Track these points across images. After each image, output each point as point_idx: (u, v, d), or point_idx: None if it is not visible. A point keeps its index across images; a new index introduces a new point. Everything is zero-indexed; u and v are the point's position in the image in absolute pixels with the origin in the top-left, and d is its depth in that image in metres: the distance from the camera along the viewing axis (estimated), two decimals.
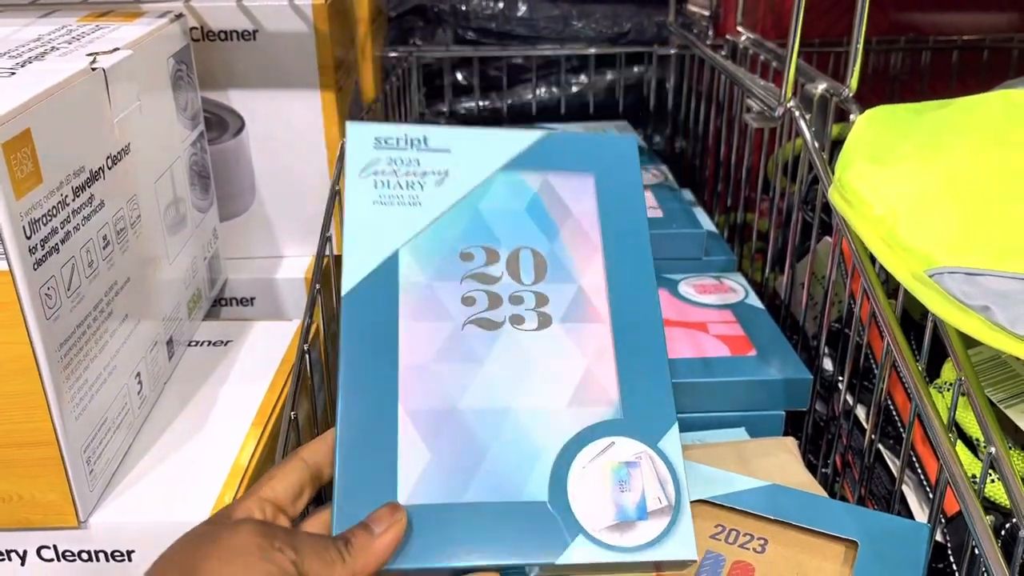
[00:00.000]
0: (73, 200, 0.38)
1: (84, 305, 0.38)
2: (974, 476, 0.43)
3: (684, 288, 0.61)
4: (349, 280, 0.38)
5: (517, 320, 0.38)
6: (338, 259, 0.60)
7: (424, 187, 0.40)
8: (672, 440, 0.36)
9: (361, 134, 0.42)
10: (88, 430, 0.39)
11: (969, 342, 0.42)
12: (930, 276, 0.40)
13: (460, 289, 0.38)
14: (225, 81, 0.58)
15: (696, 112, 0.86)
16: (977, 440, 0.45)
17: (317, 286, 0.48)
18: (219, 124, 0.59)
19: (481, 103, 0.95)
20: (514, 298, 0.38)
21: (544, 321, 0.38)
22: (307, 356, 0.45)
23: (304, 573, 0.29)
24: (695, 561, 0.34)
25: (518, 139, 0.42)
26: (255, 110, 0.59)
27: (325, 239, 0.51)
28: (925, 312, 0.58)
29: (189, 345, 0.53)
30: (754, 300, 0.60)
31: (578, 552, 0.33)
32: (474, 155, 0.41)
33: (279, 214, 0.62)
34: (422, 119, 0.95)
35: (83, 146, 0.39)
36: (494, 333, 0.37)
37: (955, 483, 0.38)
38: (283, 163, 0.60)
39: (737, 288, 0.61)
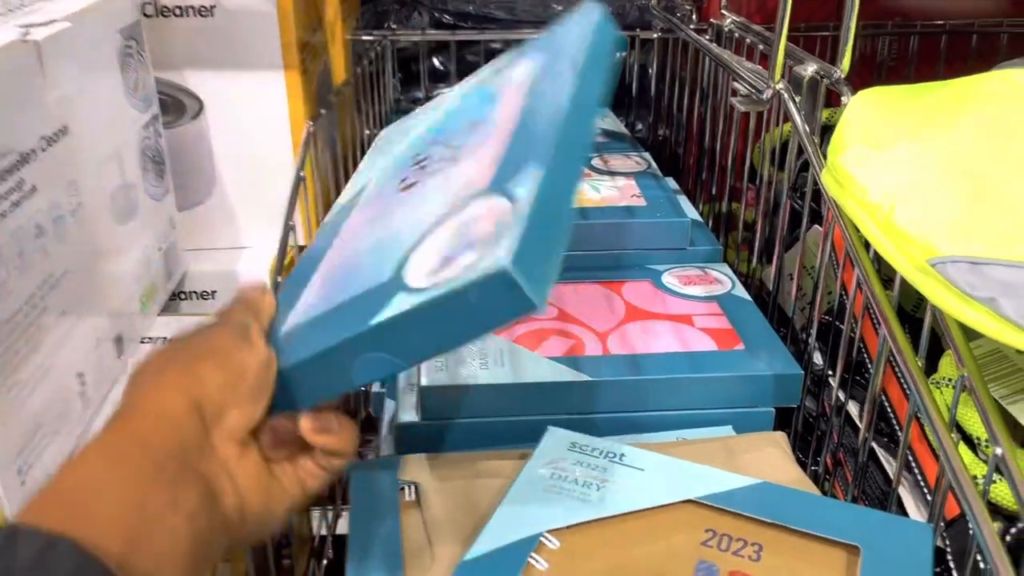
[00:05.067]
0: None
1: (13, 300, 0.35)
2: (975, 477, 0.41)
3: (668, 279, 0.58)
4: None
5: None
6: (303, 249, 0.57)
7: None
8: (528, 179, 0.30)
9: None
10: (20, 436, 0.36)
11: (969, 335, 0.39)
12: (932, 266, 0.37)
13: None
14: (182, 61, 0.55)
15: (679, 98, 0.83)
16: (978, 439, 0.42)
17: (279, 278, 0.44)
18: (176, 107, 0.56)
19: None
20: None
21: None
22: None
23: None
24: (507, 271, 0.27)
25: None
26: (215, 92, 0.55)
27: (288, 228, 0.47)
28: (919, 302, 0.56)
29: (142, 342, 0.49)
30: (741, 291, 0.57)
31: (391, 308, 0.29)
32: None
33: (242, 202, 0.59)
34: (397, 105, 0.92)
35: (11, 125, 0.35)
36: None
37: (958, 486, 0.36)
38: (245, 148, 0.57)
39: (723, 279, 0.59)
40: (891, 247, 0.40)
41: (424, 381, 0.46)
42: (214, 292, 0.58)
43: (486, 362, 0.49)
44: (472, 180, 0.33)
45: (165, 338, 0.50)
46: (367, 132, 0.82)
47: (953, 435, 0.37)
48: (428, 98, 0.92)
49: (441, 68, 0.92)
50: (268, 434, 0.33)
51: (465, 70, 0.93)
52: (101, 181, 0.44)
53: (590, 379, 0.47)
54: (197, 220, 0.59)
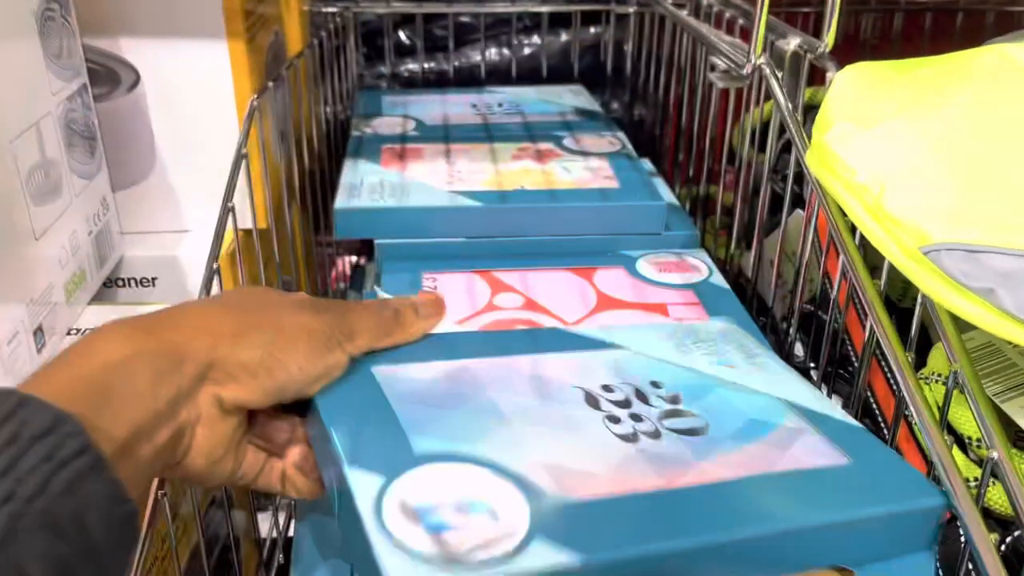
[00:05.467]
0: None
1: None
2: (968, 481, 0.38)
3: (643, 266, 0.55)
4: None
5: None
6: (248, 233, 0.53)
7: None
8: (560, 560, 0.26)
9: None
10: None
11: (960, 326, 0.36)
12: (925, 254, 0.34)
13: None
14: (115, 27, 0.50)
15: (656, 77, 0.80)
16: (969, 438, 0.40)
17: (215, 264, 0.41)
18: (109, 77, 0.51)
19: (426, 65, 0.88)
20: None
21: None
22: None
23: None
24: None
25: None
26: (152, 62, 0.51)
27: (227, 210, 0.43)
28: (904, 291, 0.54)
29: (68, 334, 0.45)
30: (719, 279, 0.54)
31: (354, 484, 0.28)
32: None
33: (184, 182, 0.54)
34: (361, 81, 0.88)
35: None
36: None
37: (951, 490, 0.33)
38: (187, 123, 0.53)
39: (700, 266, 0.55)
40: (880, 233, 0.37)
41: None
42: (154, 279, 0.53)
43: None
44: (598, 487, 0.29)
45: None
46: (328, 108, 0.78)
47: (949, 439, 0.34)
48: (394, 75, 0.88)
49: (408, 42, 0.87)
50: (261, 424, 0.32)
51: (433, 45, 0.90)
52: (15, 157, 0.40)
53: None
54: (135, 201, 0.54)
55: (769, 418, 0.35)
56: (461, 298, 0.51)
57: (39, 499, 0.21)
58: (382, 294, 0.51)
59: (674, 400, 0.36)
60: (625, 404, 0.35)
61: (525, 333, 0.41)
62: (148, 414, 0.26)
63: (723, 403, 0.36)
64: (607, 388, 0.36)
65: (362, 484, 0.28)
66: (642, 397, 0.35)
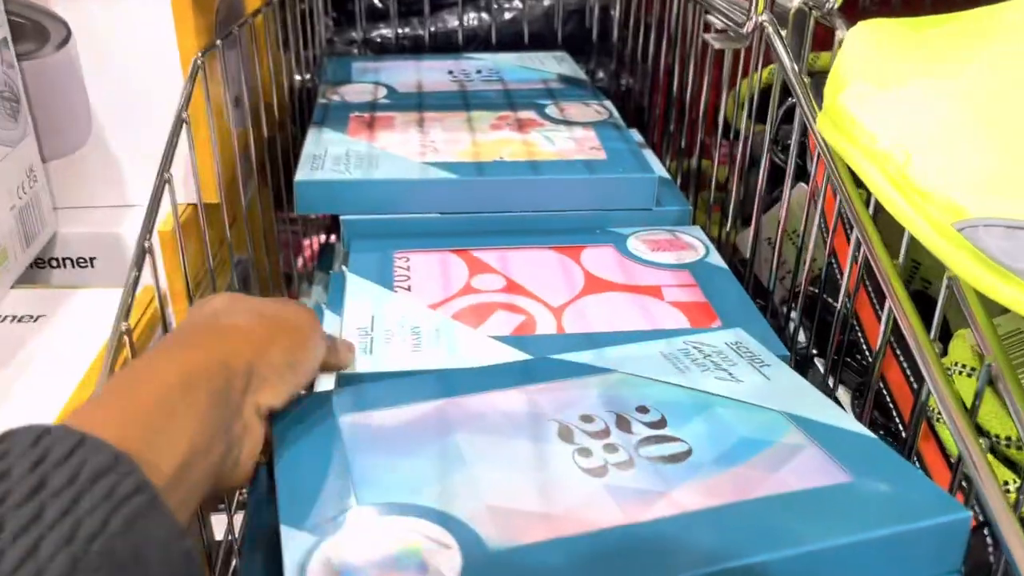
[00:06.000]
0: None
1: None
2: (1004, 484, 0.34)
3: (634, 244, 0.51)
4: None
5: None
6: (193, 209, 0.48)
7: None
8: None
9: None
10: None
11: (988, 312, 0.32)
12: (959, 230, 0.30)
13: None
14: None
15: (645, 43, 0.75)
16: (997, 437, 0.36)
17: (147, 242, 0.36)
18: (36, 33, 0.46)
19: (400, 30, 0.82)
20: None
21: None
22: (127, 338, 0.33)
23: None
24: None
25: None
26: (84, 15, 0.46)
27: (163, 181, 0.38)
28: (915, 272, 0.49)
29: None
30: (716, 258, 0.50)
31: (289, 538, 0.26)
32: None
33: (125, 152, 0.49)
34: (331, 48, 0.82)
35: None
36: None
37: (983, 493, 0.29)
38: (127, 85, 0.47)
39: (696, 244, 0.51)
40: (905, 206, 0.32)
41: None
42: (92, 259, 0.48)
43: (419, 342, 0.41)
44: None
45: (14, 316, 0.41)
46: (297, 78, 0.73)
47: (985, 442, 0.30)
48: (366, 41, 0.83)
49: (380, 6, 0.82)
50: None
51: (407, 9, 0.84)
52: None
53: None
54: (70, 172, 0.49)
55: (765, 436, 0.32)
56: (435, 280, 0.47)
57: (99, 539, 0.21)
58: (350, 275, 0.46)
59: (658, 425, 0.32)
60: (602, 434, 0.31)
61: (518, 365, 0.38)
62: (204, 437, 0.27)
63: (715, 424, 0.32)
64: (586, 419, 0.32)
65: (293, 543, 0.26)
66: (624, 425, 0.32)
